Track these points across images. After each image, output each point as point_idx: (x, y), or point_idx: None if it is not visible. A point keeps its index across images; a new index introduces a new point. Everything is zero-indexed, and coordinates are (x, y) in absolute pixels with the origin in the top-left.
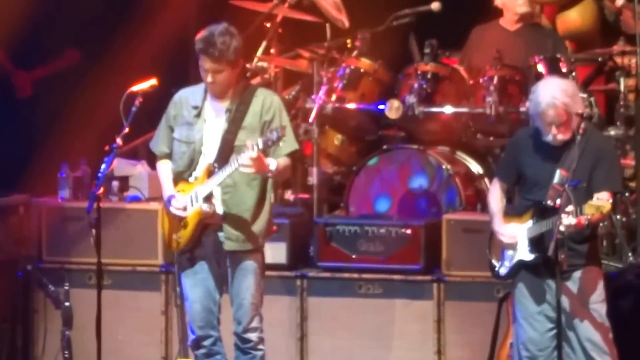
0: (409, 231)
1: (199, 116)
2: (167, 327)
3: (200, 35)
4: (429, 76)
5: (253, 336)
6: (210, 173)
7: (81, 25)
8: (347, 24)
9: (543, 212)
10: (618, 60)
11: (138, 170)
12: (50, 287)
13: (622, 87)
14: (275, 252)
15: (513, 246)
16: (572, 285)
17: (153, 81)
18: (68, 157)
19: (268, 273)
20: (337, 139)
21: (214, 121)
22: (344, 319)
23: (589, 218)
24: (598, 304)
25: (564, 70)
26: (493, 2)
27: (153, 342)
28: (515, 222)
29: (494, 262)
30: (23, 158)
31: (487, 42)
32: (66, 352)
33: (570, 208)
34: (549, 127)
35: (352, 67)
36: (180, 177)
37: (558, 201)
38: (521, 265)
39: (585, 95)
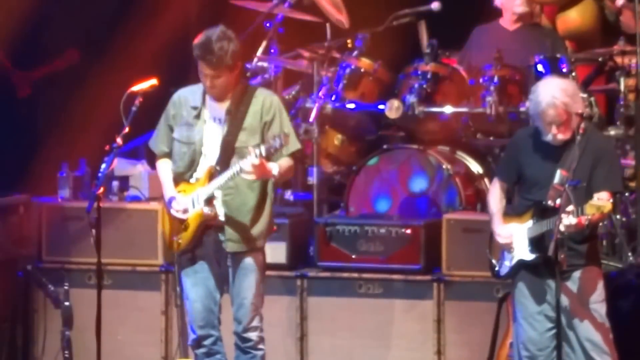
0: (409, 231)
1: (199, 117)
2: (167, 327)
3: (198, 41)
4: (429, 76)
5: (253, 335)
6: (211, 175)
7: (81, 25)
8: (347, 24)
9: (543, 212)
10: (618, 60)
11: (138, 170)
12: (50, 287)
13: (622, 87)
14: (275, 252)
15: (509, 247)
16: (572, 285)
17: (153, 81)
18: (68, 157)
19: (268, 273)
20: (337, 138)
21: (213, 122)
22: (344, 319)
23: (589, 218)
24: (598, 303)
25: (564, 70)
26: (493, 2)
27: (153, 342)
28: (515, 222)
29: (494, 262)
30: (23, 158)
31: (487, 42)
32: (66, 352)
33: (570, 208)
34: (549, 126)
35: (352, 67)
36: (181, 178)
37: (558, 201)
38: (521, 265)
39: (585, 95)
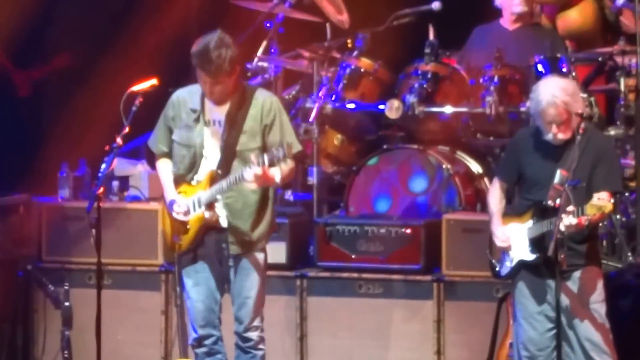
0: (408, 231)
1: (198, 120)
2: (167, 327)
3: (195, 49)
4: (429, 76)
5: (254, 335)
6: (213, 179)
7: (81, 25)
8: (347, 24)
9: (543, 212)
10: (618, 60)
11: (138, 170)
12: (50, 287)
13: (622, 87)
14: (275, 252)
15: (507, 249)
16: (572, 285)
17: (153, 81)
18: (68, 157)
19: (268, 273)
20: (337, 138)
21: (213, 125)
22: (344, 319)
23: (589, 218)
24: (598, 303)
25: (564, 70)
26: (493, 2)
27: (153, 342)
28: (516, 222)
29: (495, 262)
30: (23, 158)
31: (487, 42)
32: (66, 352)
33: (571, 208)
34: (550, 126)
35: (352, 67)
36: (182, 179)
37: (558, 201)
38: (521, 265)
39: (585, 95)
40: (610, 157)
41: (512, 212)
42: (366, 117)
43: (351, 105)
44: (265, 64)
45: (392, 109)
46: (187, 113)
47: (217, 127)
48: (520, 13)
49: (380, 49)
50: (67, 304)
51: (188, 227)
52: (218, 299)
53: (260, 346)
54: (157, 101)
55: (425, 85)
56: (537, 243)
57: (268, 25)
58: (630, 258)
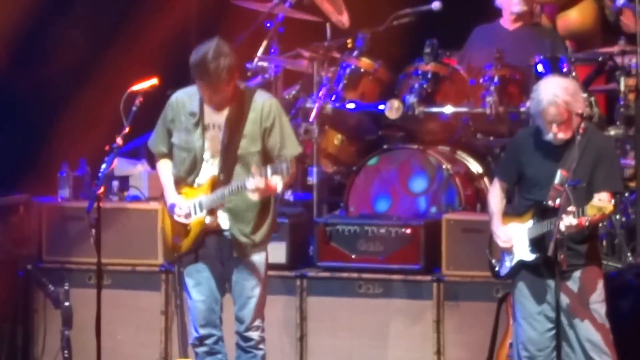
0: (408, 231)
1: (198, 124)
2: (167, 327)
3: (193, 60)
4: (429, 76)
5: (255, 335)
6: (214, 184)
7: (81, 25)
8: (347, 24)
9: (544, 213)
10: (618, 60)
11: (138, 170)
12: (50, 287)
13: (622, 87)
14: (275, 252)
15: (508, 250)
16: (572, 285)
17: (153, 81)
18: (68, 157)
19: (268, 273)
20: (337, 138)
21: (213, 129)
22: (344, 319)
23: (589, 219)
24: (598, 304)
25: (564, 70)
26: (494, 2)
27: (153, 342)
28: (516, 222)
29: (494, 262)
30: (23, 158)
31: (487, 42)
32: (66, 351)
33: (571, 208)
34: (550, 125)
35: (352, 67)
36: (183, 181)
37: (558, 201)
38: (521, 265)
39: (585, 95)
40: (610, 157)
41: (512, 212)
42: (366, 117)
43: (351, 105)
44: (265, 64)
45: (392, 109)
46: (186, 116)
47: (216, 131)
48: (520, 13)
49: (380, 49)
50: (67, 304)
51: (189, 229)
52: (219, 298)
53: (261, 346)
54: (157, 101)
55: (425, 86)
56: (537, 243)
57: (268, 25)
58: (630, 258)
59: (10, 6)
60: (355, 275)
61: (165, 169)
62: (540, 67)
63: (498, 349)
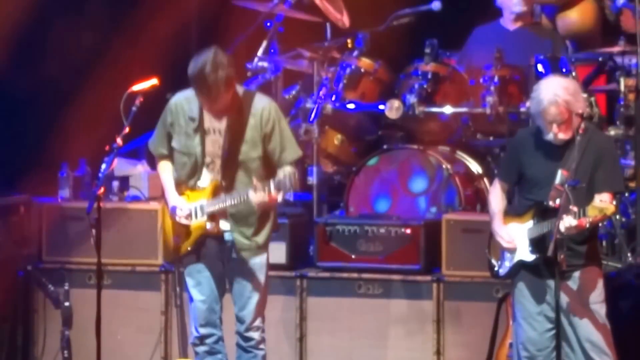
0: (408, 231)
1: (198, 129)
2: (167, 327)
3: (192, 71)
4: (429, 76)
5: (255, 335)
6: (216, 190)
7: (81, 25)
8: (347, 24)
9: (544, 213)
10: (618, 60)
11: (138, 170)
12: (50, 287)
13: (622, 87)
14: (275, 252)
15: (511, 250)
16: (572, 285)
17: (153, 81)
18: (68, 157)
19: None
20: (337, 139)
21: (213, 134)
22: (344, 319)
23: (590, 221)
24: (598, 304)
25: (564, 70)
26: (494, 2)
27: (153, 342)
28: (516, 222)
29: (494, 261)
30: (23, 158)
31: (487, 42)
32: (66, 351)
33: (573, 209)
34: (550, 125)
35: (352, 67)
36: (184, 184)
37: (558, 201)
38: (521, 266)
39: (585, 95)
40: (611, 157)
41: (512, 212)
42: (366, 117)
43: (351, 106)
44: (265, 64)
45: (392, 109)
46: (185, 121)
47: (217, 135)
48: (520, 13)
49: (380, 49)
50: (67, 304)
51: (189, 232)
52: (219, 298)
53: (261, 346)
54: (157, 101)
55: (425, 86)
56: (538, 243)
57: (268, 25)
58: (630, 258)
59: (11, 6)
60: (355, 275)
61: (166, 171)
62: (540, 67)
63: (498, 349)
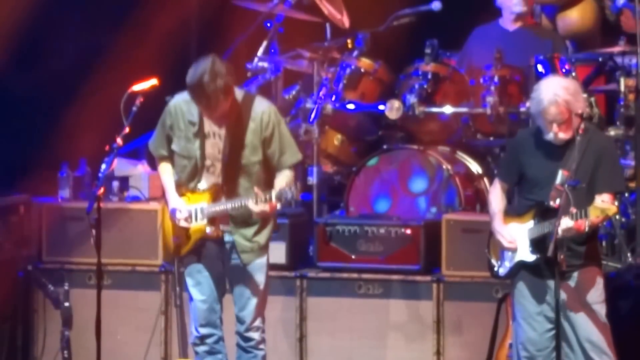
0: (408, 231)
1: (198, 133)
2: (167, 327)
3: (190, 81)
4: (429, 76)
5: (255, 335)
6: (217, 194)
7: (81, 25)
8: (347, 24)
9: (545, 213)
10: (618, 60)
11: (138, 170)
12: (50, 287)
13: (622, 87)
14: (275, 252)
15: (512, 250)
16: (572, 285)
17: (153, 81)
18: (68, 157)
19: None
20: (337, 139)
21: (214, 137)
22: (344, 319)
23: (589, 224)
24: (598, 304)
25: (564, 70)
26: (494, 2)
27: (153, 342)
28: (516, 223)
29: (494, 261)
30: (23, 158)
31: (487, 42)
32: (65, 352)
33: (571, 210)
34: (551, 125)
35: (353, 67)
36: (184, 186)
37: (558, 201)
38: (521, 266)
39: (585, 96)
40: (611, 157)
41: (512, 212)
42: (366, 117)
43: (351, 106)
44: (265, 64)
45: (392, 109)
46: (185, 124)
47: (217, 139)
48: (520, 13)
49: (380, 49)
50: (67, 304)
51: (189, 234)
52: (219, 298)
53: (262, 346)
54: (157, 102)
55: (425, 86)
56: (538, 244)
57: (268, 25)
58: (630, 259)
59: (11, 6)
60: (355, 275)
61: (167, 172)
62: (540, 68)
63: (497, 350)
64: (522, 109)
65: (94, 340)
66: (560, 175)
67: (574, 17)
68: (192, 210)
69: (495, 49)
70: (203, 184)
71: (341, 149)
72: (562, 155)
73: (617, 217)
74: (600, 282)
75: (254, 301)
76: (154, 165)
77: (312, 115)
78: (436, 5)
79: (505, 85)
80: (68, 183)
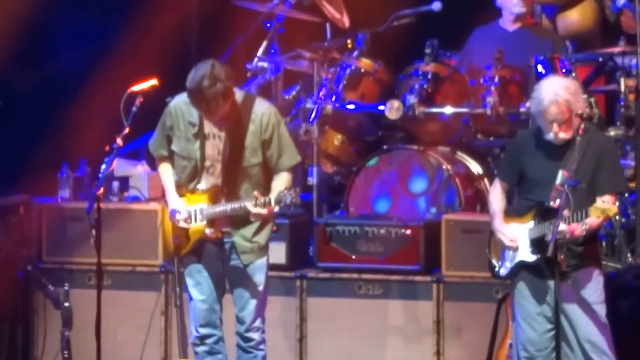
0: (408, 232)
1: (198, 134)
2: (167, 327)
3: (190, 85)
4: (429, 76)
5: (255, 335)
6: (217, 195)
7: (81, 25)
8: (347, 24)
9: (545, 213)
10: (618, 60)
11: (138, 170)
12: (50, 288)
13: (622, 88)
14: (275, 252)
15: (513, 248)
16: (572, 285)
17: (153, 81)
18: (68, 157)
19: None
20: (337, 139)
21: (214, 138)
22: (344, 320)
23: (586, 227)
24: (598, 304)
25: (564, 70)
26: (495, 2)
27: (153, 342)
28: (516, 223)
29: (494, 261)
30: (23, 158)
31: (487, 43)
32: (65, 352)
33: (566, 213)
34: (551, 125)
35: (353, 67)
36: (184, 186)
37: (558, 202)
38: (521, 266)
39: (585, 96)
40: (612, 158)
41: (512, 212)
42: (366, 117)
43: (351, 106)
44: (265, 65)
45: (392, 109)
46: (185, 125)
47: (217, 140)
48: (519, 14)
49: (380, 50)
50: (67, 304)
51: (188, 235)
52: (219, 299)
53: (262, 347)
54: (157, 102)
55: (425, 86)
56: (538, 244)
57: (268, 25)
58: (630, 259)
59: (11, 7)
60: (355, 275)
61: (167, 173)
62: (540, 68)
63: (497, 350)
64: (522, 110)
65: (94, 341)
66: (561, 176)
67: (574, 18)
68: (192, 211)
69: (496, 50)
70: (203, 184)
71: (341, 149)
72: (562, 155)
73: (617, 217)
74: (600, 283)
75: (253, 301)
76: (153, 166)
77: (312, 116)
78: (436, 6)
79: (505, 86)
80: (68, 183)
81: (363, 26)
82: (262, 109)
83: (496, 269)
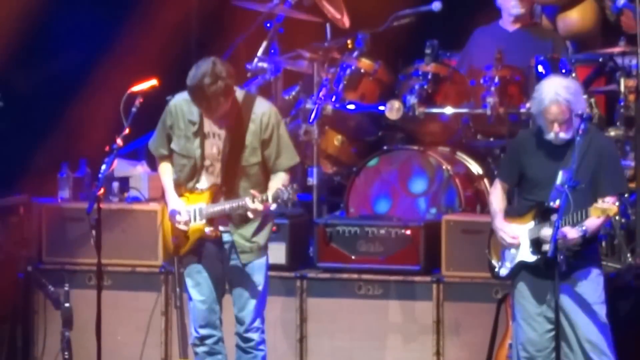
0: (408, 232)
1: (197, 132)
2: (167, 327)
3: (190, 82)
4: (429, 77)
5: (255, 336)
6: (216, 194)
7: (81, 25)
8: (347, 24)
9: (545, 214)
10: (618, 61)
11: (138, 171)
12: (50, 288)
13: (622, 88)
14: (275, 253)
15: (515, 247)
16: (572, 286)
17: (153, 81)
18: (68, 158)
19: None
20: (337, 139)
21: (213, 137)
22: (344, 320)
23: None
24: (598, 305)
25: (564, 70)
26: (495, 2)
27: (153, 343)
28: (517, 223)
29: (494, 262)
30: (23, 158)
31: (487, 43)
32: (66, 352)
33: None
34: (551, 124)
35: (353, 67)
36: (183, 185)
37: (558, 202)
38: (521, 266)
39: (585, 96)
40: (613, 158)
41: (512, 212)
42: (366, 118)
43: (351, 106)
44: (265, 65)
45: (393, 109)
46: (185, 123)
47: (217, 139)
48: (518, 15)
49: (380, 50)
50: (67, 304)
51: (187, 235)
52: (219, 299)
53: (261, 347)
54: (157, 102)
55: (425, 86)
56: (539, 244)
57: (268, 25)
58: (630, 259)
59: (11, 6)
60: (355, 276)
61: (167, 173)
62: (540, 68)
63: (497, 350)
64: (523, 110)
65: (94, 341)
66: (561, 176)
67: (574, 18)
68: (191, 210)
69: (496, 50)
70: (202, 183)
71: (341, 149)
72: (562, 155)
73: (617, 217)
74: (600, 283)
75: (253, 302)
76: (153, 166)
77: (312, 116)
78: (436, 6)
79: (505, 86)
80: (68, 184)
81: (363, 26)
82: (263, 109)
83: (496, 270)
